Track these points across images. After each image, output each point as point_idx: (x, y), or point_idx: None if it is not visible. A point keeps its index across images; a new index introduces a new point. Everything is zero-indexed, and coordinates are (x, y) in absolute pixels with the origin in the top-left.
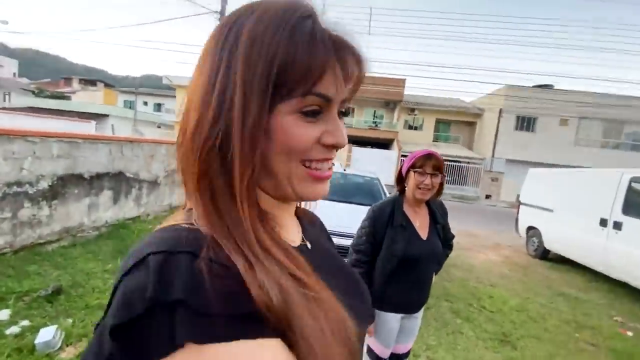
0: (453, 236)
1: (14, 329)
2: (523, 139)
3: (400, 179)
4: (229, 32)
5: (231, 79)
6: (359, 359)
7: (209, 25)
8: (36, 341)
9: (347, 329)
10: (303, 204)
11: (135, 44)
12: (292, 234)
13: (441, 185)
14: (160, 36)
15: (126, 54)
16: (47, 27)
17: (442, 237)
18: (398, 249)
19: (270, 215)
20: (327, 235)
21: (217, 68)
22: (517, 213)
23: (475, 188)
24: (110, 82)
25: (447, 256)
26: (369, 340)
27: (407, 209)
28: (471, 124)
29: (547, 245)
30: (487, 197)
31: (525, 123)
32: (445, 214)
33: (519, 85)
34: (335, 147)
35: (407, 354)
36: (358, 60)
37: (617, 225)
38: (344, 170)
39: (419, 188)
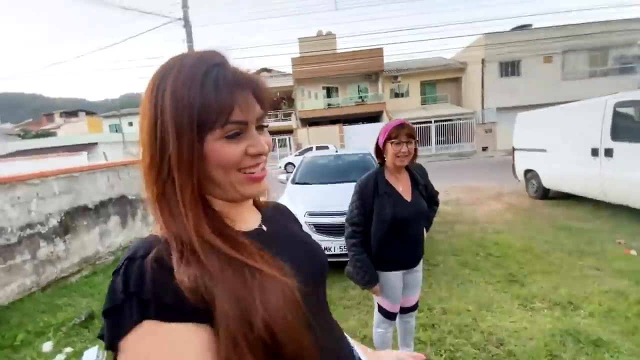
0: (437, 192)
1: (60, 357)
2: (510, 85)
3: (379, 152)
4: (158, 87)
5: (165, 125)
6: (311, 312)
7: (175, 33)
8: None
9: (289, 290)
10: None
11: (108, 66)
12: (249, 223)
13: (415, 150)
14: (131, 54)
15: (101, 78)
16: (17, 69)
17: (427, 195)
18: (387, 213)
19: (220, 214)
20: (293, 217)
21: (155, 117)
22: (513, 159)
23: (471, 143)
24: (90, 109)
25: (435, 211)
26: (378, 299)
27: (389, 177)
28: (456, 80)
29: (546, 184)
30: (484, 149)
31: (510, 68)
32: (425, 174)
33: (496, 32)
34: (260, 154)
35: (415, 306)
36: (259, 88)
37: (608, 152)
38: (336, 151)
39: (397, 156)
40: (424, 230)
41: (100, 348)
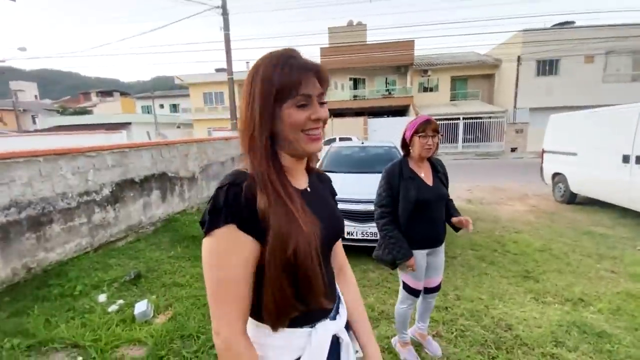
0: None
1: (114, 307)
2: (546, 84)
3: (405, 144)
4: (255, 73)
5: (255, 96)
6: (326, 255)
7: (211, 21)
8: (135, 312)
9: (317, 231)
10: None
11: (143, 50)
12: (300, 182)
13: (437, 144)
14: (166, 39)
15: (134, 61)
16: (60, 48)
17: (446, 185)
18: (411, 195)
19: (285, 169)
20: (331, 188)
21: (251, 92)
22: (542, 161)
23: (500, 142)
24: (123, 90)
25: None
26: (403, 277)
27: (412, 165)
28: (489, 77)
29: (574, 189)
30: (513, 150)
31: (547, 67)
32: (442, 166)
33: (535, 29)
34: (319, 119)
35: (438, 287)
36: (318, 71)
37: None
38: (362, 142)
39: (424, 148)
40: (457, 213)
41: (149, 301)
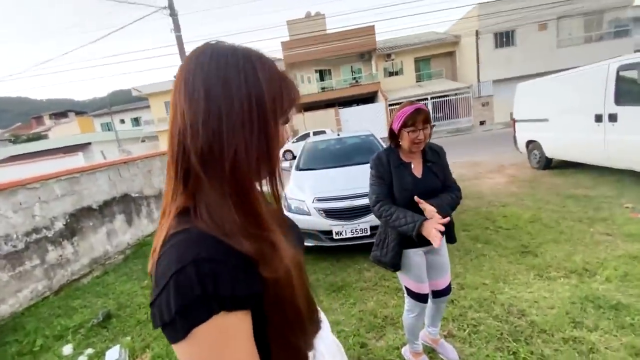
0: (453, 181)
1: (82, 359)
2: (505, 56)
3: (393, 135)
4: (245, 67)
5: (264, 105)
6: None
7: (159, 25)
8: None
9: (299, 260)
10: None
11: (93, 63)
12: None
13: (429, 134)
14: (116, 49)
15: (87, 77)
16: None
17: (442, 177)
18: (407, 182)
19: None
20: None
21: (249, 95)
22: (514, 131)
23: (468, 117)
24: (79, 109)
25: (454, 199)
26: (404, 282)
27: (401, 154)
28: (450, 54)
29: (549, 154)
30: (482, 123)
31: (504, 38)
32: (439, 153)
33: (490, 1)
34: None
35: (447, 290)
36: (299, 95)
37: (613, 118)
38: (338, 134)
39: (414, 143)
40: (448, 213)
41: (122, 346)
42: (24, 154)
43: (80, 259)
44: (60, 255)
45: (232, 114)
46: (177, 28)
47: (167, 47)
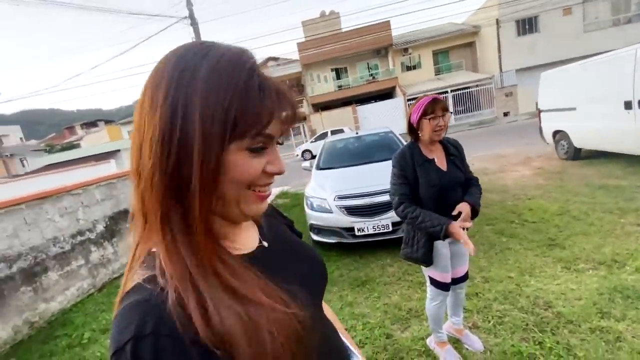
0: (471, 173)
1: None
2: (528, 43)
3: (412, 129)
4: (182, 75)
5: (190, 123)
6: (314, 338)
7: (181, 34)
8: None
9: (290, 320)
10: None
11: (120, 74)
12: (248, 241)
13: (447, 124)
14: (141, 59)
15: (114, 87)
16: (34, 86)
17: (463, 169)
18: (433, 178)
19: (222, 236)
20: (282, 217)
21: (172, 118)
22: (540, 121)
23: (491, 109)
24: (108, 118)
25: (479, 193)
26: (429, 272)
27: (423, 150)
28: (470, 45)
29: (577, 144)
30: (505, 114)
31: (527, 26)
32: (457, 147)
33: None
34: (277, 174)
35: (465, 277)
36: (293, 107)
37: None
38: (356, 133)
39: (435, 131)
40: (470, 206)
41: None
42: (58, 162)
43: (120, 258)
44: (102, 255)
45: (150, 131)
46: (197, 36)
47: None
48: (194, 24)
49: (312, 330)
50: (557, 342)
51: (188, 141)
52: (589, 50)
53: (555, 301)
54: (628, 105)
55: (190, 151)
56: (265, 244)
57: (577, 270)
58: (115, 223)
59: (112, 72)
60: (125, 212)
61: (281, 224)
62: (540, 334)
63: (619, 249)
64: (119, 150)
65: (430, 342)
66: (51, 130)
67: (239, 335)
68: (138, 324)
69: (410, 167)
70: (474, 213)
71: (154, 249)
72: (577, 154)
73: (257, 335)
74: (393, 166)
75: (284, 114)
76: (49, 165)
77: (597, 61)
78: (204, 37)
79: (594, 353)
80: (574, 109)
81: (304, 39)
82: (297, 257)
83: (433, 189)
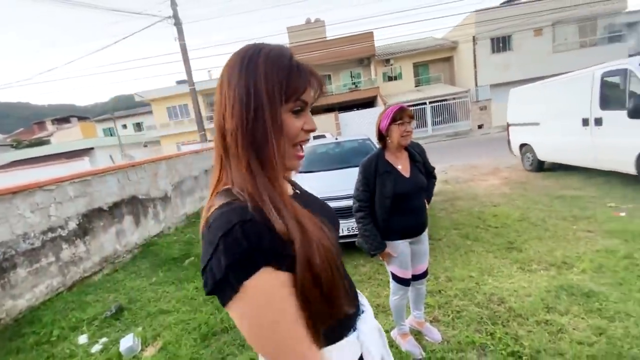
0: (433, 168)
1: (97, 347)
2: (502, 61)
3: (381, 136)
4: (247, 66)
5: (260, 93)
6: (340, 260)
7: (163, 32)
8: (121, 349)
9: (326, 227)
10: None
11: (96, 70)
12: (289, 188)
13: (412, 131)
14: (119, 56)
15: (89, 83)
16: (5, 79)
17: (425, 171)
18: (387, 190)
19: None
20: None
21: (247, 87)
22: (508, 134)
23: (467, 121)
24: (81, 115)
25: (434, 184)
26: (391, 268)
27: (389, 157)
28: (449, 60)
29: (541, 157)
30: (480, 127)
31: (501, 44)
32: (422, 152)
33: (486, 9)
34: (311, 131)
35: (425, 273)
36: (319, 81)
37: (598, 121)
38: (336, 139)
39: (403, 136)
40: (425, 201)
41: (135, 335)
42: (27, 159)
43: (92, 257)
44: (74, 253)
45: (231, 103)
46: (181, 36)
47: (171, 55)
48: (177, 24)
49: (338, 253)
50: (506, 333)
51: (259, 106)
52: (557, 70)
53: (508, 297)
54: (585, 122)
55: (262, 113)
56: (298, 191)
57: (530, 270)
58: (88, 221)
59: (90, 67)
60: (99, 210)
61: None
62: (492, 326)
63: (569, 252)
64: (92, 149)
65: (394, 334)
66: (20, 124)
67: (297, 234)
68: (240, 214)
69: (372, 176)
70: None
71: (229, 186)
72: (540, 166)
73: (308, 239)
74: (359, 172)
75: (315, 86)
76: (15, 161)
77: (559, 81)
78: (188, 39)
79: (538, 343)
80: (538, 124)
81: (289, 45)
82: (318, 204)
83: (386, 200)
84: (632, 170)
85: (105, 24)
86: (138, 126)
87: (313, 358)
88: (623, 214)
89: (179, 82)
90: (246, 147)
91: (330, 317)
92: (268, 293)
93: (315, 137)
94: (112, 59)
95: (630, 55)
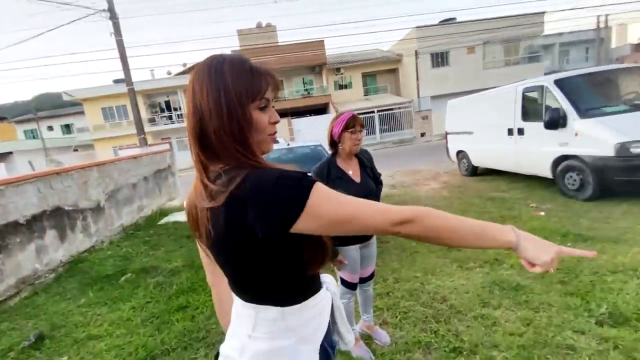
0: (380, 174)
1: None
2: (441, 74)
3: (333, 142)
4: (216, 71)
5: (230, 96)
6: None
7: (96, 27)
8: None
9: None
10: None
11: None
12: None
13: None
14: (47, 51)
15: (8, 78)
16: None
17: (373, 176)
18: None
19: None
20: None
21: (218, 91)
22: (446, 142)
23: (411, 130)
24: None
25: (381, 190)
26: (342, 273)
27: (340, 163)
28: (394, 71)
29: (474, 163)
30: (422, 135)
31: (440, 59)
32: (370, 158)
33: (426, 26)
34: (276, 122)
35: (372, 275)
36: (275, 80)
37: (520, 131)
38: (288, 144)
39: (355, 144)
40: None
41: None
42: None
43: (6, 279)
44: None
45: (208, 107)
46: (117, 32)
47: (107, 51)
48: (113, 18)
49: None
50: (449, 330)
51: (232, 107)
52: (488, 84)
53: (449, 295)
54: (510, 132)
55: (236, 113)
56: None
57: (467, 268)
58: (2, 237)
59: (10, 62)
60: (15, 225)
61: None
62: (436, 324)
63: (500, 250)
64: (11, 153)
65: None
66: None
67: None
68: (274, 170)
69: (325, 181)
70: None
71: (221, 166)
72: (474, 171)
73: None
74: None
75: (272, 84)
76: None
77: (488, 94)
78: (125, 34)
79: (476, 336)
80: (472, 133)
81: (239, 48)
82: None
83: None
84: (548, 175)
85: (28, 14)
86: (67, 128)
87: (415, 209)
88: (542, 214)
89: (117, 81)
90: (230, 141)
91: (323, 258)
92: (329, 190)
93: None
94: (37, 53)
95: (545, 74)
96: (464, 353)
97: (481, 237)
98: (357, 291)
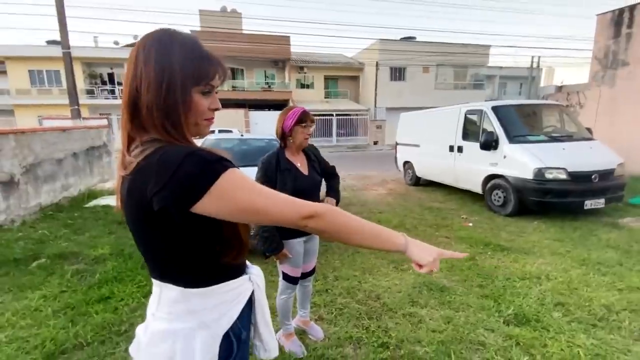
0: (333, 167)
1: None
2: (397, 88)
3: (284, 135)
4: (165, 47)
5: (174, 74)
6: None
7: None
8: None
9: None
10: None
11: None
12: None
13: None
14: None
15: None
16: None
17: (321, 169)
18: (287, 187)
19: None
20: None
21: (162, 67)
22: (396, 152)
23: (365, 137)
24: None
25: (339, 183)
26: (282, 267)
27: (289, 156)
28: (355, 78)
29: (418, 173)
30: (375, 143)
31: (398, 73)
32: (317, 153)
33: (389, 39)
34: (217, 109)
35: (313, 271)
36: (225, 71)
37: (460, 149)
38: (242, 135)
39: (305, 138)
40: (335, 201)
41: None
42: None
43: None
44: None
45: (147, 80)
46: (60, 2)
47: (41, 7)
48: None
49: None
50: (379, 326)
51: (172, 85)
52: (437, 103)
53: (383, 294)
54: (451, 148)
55: (174, 92)
56: None
57: (402, 269)
58: None
59: None
60: None
61: None
62: (368, 321)
63: None
64: None
65: (278, 335)
66: None
67: None
68: (188, 147)
69: (274, 172)
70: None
71: (145, 138)
72: (417, 181)
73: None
74: (259, 169)
75: (221, 74)
76: None
77: (436, 112)
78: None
79: (402, 333)
80: (419, 145)
81: (199, 29)
82: None
83: (287, 194)
84: (479, 190)
85: None
86: None
87: (316, 208)
88: (470, 225)
89: (50, 42)
90: (161, 117)
91: (240, 252)
92: (243, 176)
93: (220, 131)
94: None
95: (486, 100)
96: (391, 348)
97: (378, 238)
98: (297, 287)
